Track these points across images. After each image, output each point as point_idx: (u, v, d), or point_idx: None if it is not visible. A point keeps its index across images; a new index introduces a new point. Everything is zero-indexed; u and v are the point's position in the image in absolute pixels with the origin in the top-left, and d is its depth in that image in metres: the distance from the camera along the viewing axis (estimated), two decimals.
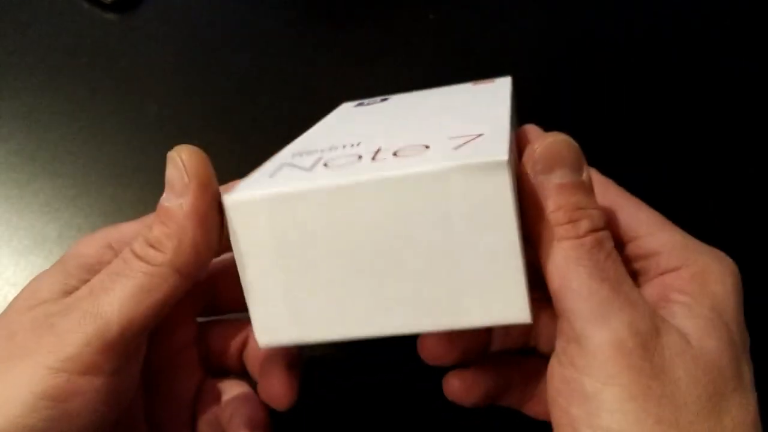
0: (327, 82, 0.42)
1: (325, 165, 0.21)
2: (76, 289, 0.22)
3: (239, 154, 0.40)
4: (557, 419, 0.20)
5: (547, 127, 0.29)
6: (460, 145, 0.20)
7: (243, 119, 0.41)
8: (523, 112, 0.41)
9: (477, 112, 0.24)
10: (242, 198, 0.20)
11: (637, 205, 0.24)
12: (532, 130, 0.26)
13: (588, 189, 0.21)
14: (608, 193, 0.24)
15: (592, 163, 0.31)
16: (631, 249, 0.23)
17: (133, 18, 0.45)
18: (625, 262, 0.21)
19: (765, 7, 0.45)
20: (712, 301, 0.21)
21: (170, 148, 0.41)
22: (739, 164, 0.40)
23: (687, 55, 0.44)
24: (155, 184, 0.38)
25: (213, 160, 0.39)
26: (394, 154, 0.20)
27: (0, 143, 0.40)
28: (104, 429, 0.22)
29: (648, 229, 0.23)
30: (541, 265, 0.21)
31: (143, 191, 0.38)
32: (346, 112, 0.29)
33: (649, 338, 0.19)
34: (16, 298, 0.23)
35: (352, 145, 0.22)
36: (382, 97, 0.31)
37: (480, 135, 0.20)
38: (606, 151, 0.39)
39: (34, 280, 0.23)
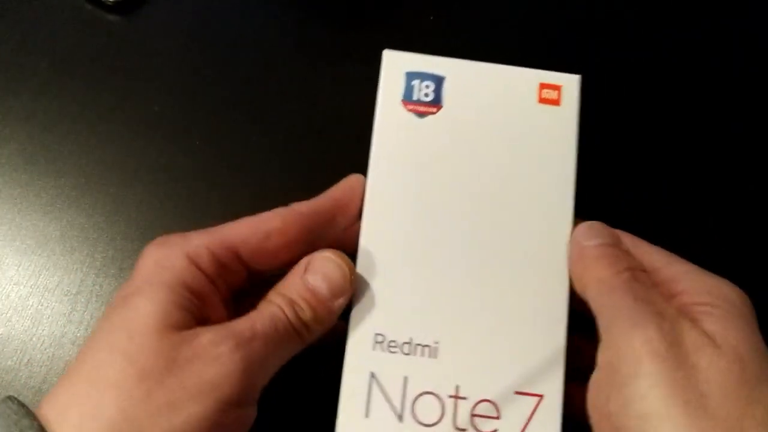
0: (328, 82, 0.43)
1: (413, 412, 0.26)
2: (193, 312, 0.25)
3: (241, 154, 0.40)
4: (597, 418, 0.24)
5: None
6: (522, 429, 0.26)
7: (244, 120, 0.41)
8: None
9: (534, 337, 0.28)
10: None
11: (657, 248, 0.28)
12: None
13: (625, 251, 0.26)
14: (631, 240, 0.28)
15: (591, 179, 0.31)
16: (652, 277, 0.27)
17: (135, 19, 0.45)
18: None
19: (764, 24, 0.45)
20: (730, 311, 0.24)
21: (172, 148, 0.41)
22: (739, 181, 0.40)
23: (688, 71, 0.44)
24: (157, 184, 0.39)
25: (215, 160, 0.40)
26: (472, 416, 0.26)
27: (3, 144, 0.40)
28: None
29: (664, 261, 0.27)
30: (589, 299, 0.26)
31: (145, 191, 0.39)
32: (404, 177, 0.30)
33: (673, 337, 0.23)
34: (125, 319, 0.25)
35: (429, 352, 0.27)
36: (431, 103, 0.30)
37: (541, 398, 0.26)
38: (606, 168, 0.40)
39: (136, 303, 0.25)
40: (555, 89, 0.30)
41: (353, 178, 0.30)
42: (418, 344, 0.27)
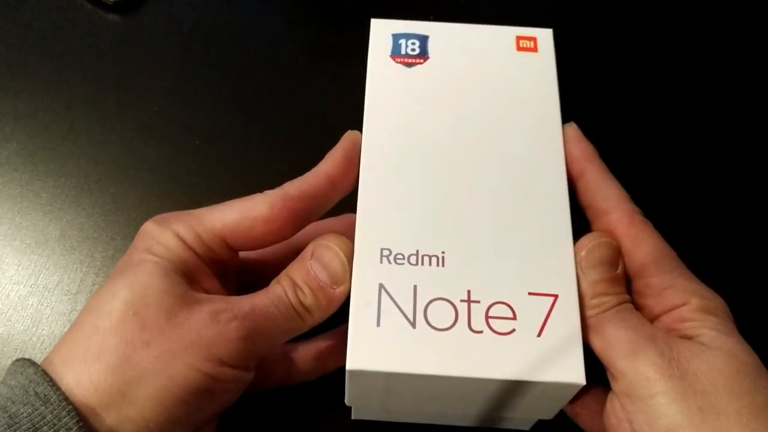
0: (328, 82, 0.43)
1: (426, 317, 0.26)
2: (191, 282, 0.27)
3: (240, 154, 0.40)
4: None
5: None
6: (541, 327, 0.25)
7: (244, 120, 0.41)
8: None
9: (543, 235, 0.28)
10: (361, 367, 0.25)
11: (654, 241, 0.28)
12: (572, 136, 0.30)
13: (618, 279, 0.27)
14: (634, 226, 0.28)
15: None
16: (643, 286, 0.28)
17: (134, 19, 0.45)
18: (635, 296, 0.28)
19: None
20: (715, 322, 0.26)
21: (172, 147, 0.41)
22: (736, 178, 0.40)
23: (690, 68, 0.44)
24: (157, 184, 0.39)
25: (215, 160, 0.40)
26: (487, 318, 0.26)
27: (3, 143, 0.40)
28: None
29: (658, 270, 0.27)
30: (588, 340, 0.26)
31: (145, 190, 0.39)
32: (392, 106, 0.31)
33: (670, 354, 0.24)
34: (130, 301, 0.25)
35: (437, 261, 0.27)
36: (417, 55, 0.32)
37: (556, 297, 0.26)
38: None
39: (139, 268, 0.26)
40: (531, 40, 0.33)
41: (348, 141, 0.30)
42: (425, 255, 0.27)
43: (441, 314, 0.26)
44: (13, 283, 0.36)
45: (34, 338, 0.34)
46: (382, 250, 0.27)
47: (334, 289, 0.27)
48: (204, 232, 0.28)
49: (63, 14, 0.45)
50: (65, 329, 0.34)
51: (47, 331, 0.34)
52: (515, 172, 0.29)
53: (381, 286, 0.26)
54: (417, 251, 0.27)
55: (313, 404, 0.32)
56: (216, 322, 0.25)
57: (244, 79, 0.43)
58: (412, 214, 0.28)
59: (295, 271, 0.28)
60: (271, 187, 0.28)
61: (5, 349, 0.34)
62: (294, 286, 0.27)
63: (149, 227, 0.28)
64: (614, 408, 0.26)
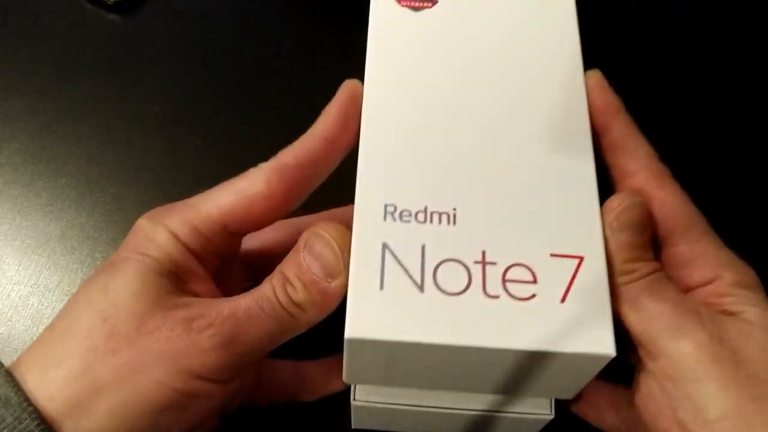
0: (328, 82, 0.43)
1: (435, 281, 0.23)
2: (177, 284, 0.25)
3: (240, 154, 0.40)
4: (666, 427, 0.23)
5: None
6: (565, 293, 0.23)
7: (244, 120, 0.41)
8: None
9: (567, 191, 0.25)
10: (361, 336, 0.22)
11: (683, 205, 0.25)
12: (596, 86, 0.27)
13: (648, 245, 0.24)
14: (662, 189, 0.25)
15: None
16: (670, 255, 0.25)
17: (135, 19, 0.45)
18: (663, 266, 0.25)
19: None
20: (754, 297, 0.24)
21: (173, 148, 0.41)
22: (739, 169, 0.40)
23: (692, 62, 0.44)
24: (157, 184, 0.39)
25: (215, 160, 0.40)
26: (504, 281, 0.23)
27: (4, 143, 0.40)
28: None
29: (687, 237, 0.25)
30: (617, 310, 0.23)
31: (145, 191, 0.39)
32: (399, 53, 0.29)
33: (719, 334, 0.22)
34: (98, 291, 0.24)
35: (448, 219, 0.24)
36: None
37: (581, 260, 0.23)
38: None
39: (120, 268, 0.25)
40: None
41: (345, 94, 0.27)
42: (434, 211, 0.24)
43: (452, 277, 0.23)
44: (14, 284, 0.36)
45: (34, 338, 0.34)
46: (386, 206, 0.24)
47: (329, 282, 0.24)
48: (200, 222, 0.26)
49: (63, 14, 0.45)
50: None
51: None
52: (534, 122, 0.26)
53: (385, 245, 0.23)
54: (425, 208, 0.24)
55: (312, 413, 0.32)
56: (188, 331, 0.23)
57: (244, 79, 0.43)
58: (420, 166, 0.25)
59: (287, 265, 0.25)
60: None
61: (6, 349, 0.34)
62: (284, 282, 0.25)
63: (142, 223, 0.26)
64: (651, 392, 0.24)
